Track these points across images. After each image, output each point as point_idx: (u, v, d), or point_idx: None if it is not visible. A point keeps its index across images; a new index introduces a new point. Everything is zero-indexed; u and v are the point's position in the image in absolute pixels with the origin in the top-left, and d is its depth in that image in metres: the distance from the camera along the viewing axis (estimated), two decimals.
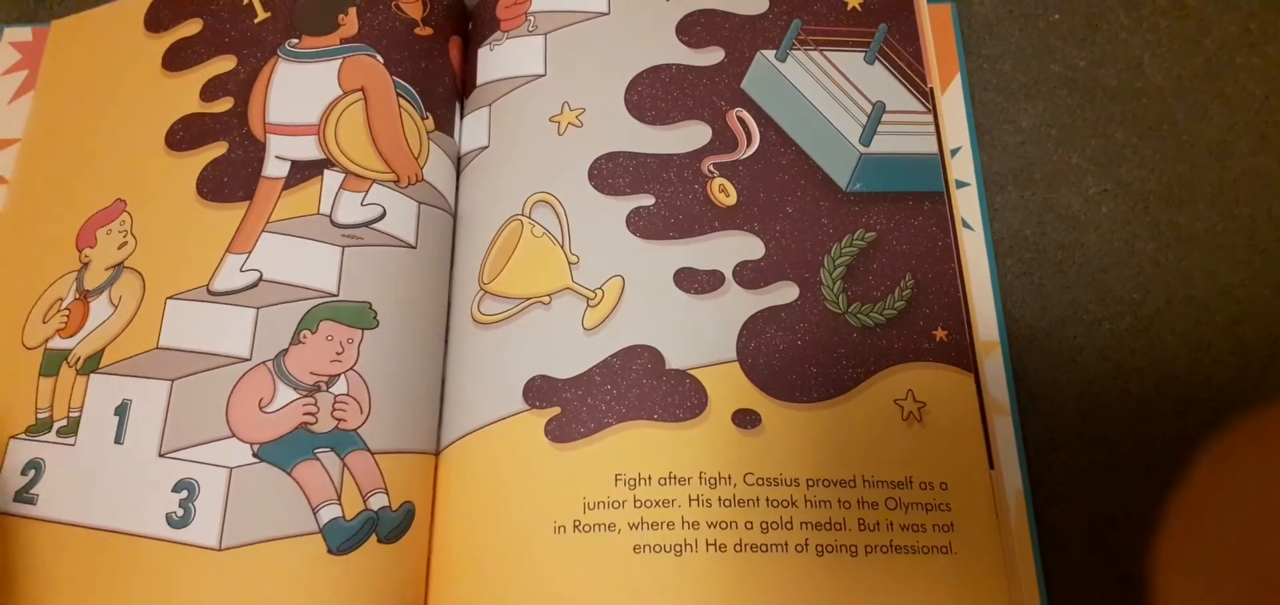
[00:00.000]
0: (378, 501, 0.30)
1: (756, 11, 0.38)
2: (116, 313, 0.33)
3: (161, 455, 0.30)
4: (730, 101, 0.37)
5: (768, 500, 0.30)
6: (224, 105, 0.36)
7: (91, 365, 0.32)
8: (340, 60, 0.36)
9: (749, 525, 0.30)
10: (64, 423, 0.32)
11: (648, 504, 0.30)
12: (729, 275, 0.34)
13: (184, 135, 0.36)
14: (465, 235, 0.36)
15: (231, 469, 0.30)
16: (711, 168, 0.35)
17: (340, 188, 0.34)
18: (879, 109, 0.36)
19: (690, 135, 0.36)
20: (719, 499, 0.30)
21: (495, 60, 0.38)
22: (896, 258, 0.34)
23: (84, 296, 0.34)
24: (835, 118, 0.36)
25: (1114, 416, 0.33)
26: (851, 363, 0.32)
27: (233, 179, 0.35)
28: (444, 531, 0.31)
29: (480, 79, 0.38)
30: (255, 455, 0.30)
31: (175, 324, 0.32)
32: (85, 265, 0.34)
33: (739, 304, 0.33)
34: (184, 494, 0.30)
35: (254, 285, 0.32)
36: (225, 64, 0.37)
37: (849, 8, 0.38)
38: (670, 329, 0.33)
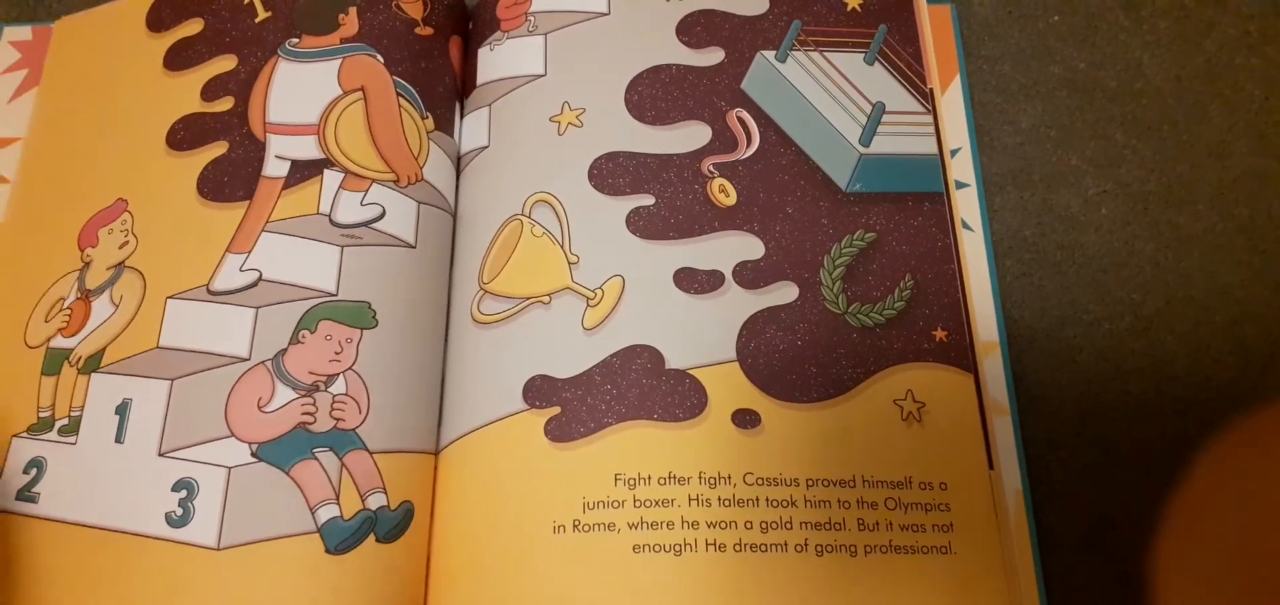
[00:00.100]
0: (376, 501, 0.30)
1: (756, 12, 0.38)
2: (117, 312, 0.33)
3: (161, 455, 0.30)
4: (730, 102, 0.37)
5: (767, 500, 0.30)
6: (225, 105, 0.36)
7: (92, 364, 0.33)
8: (340, 60, 0.36)
9: (748, 525, 0.30)
10: (65, 422, 0.32)
11: (647, 504, 0.30)
12: (729, 275, 0.34)
13: (185, 135, 0.36)
14: (465, 235, 0.36)
15: (230, 468, 0.30)
16: (711, 168, 0.35)
17: (340, 187, 0.34)
18: (879, 110, 0.36)
19: (690, 135, 0.36)
20: (719, 499, 0.30)
21: (495, 60, 0.38)
22: (896, 258, 0.34)
23: (85, 296, 0.34)
24: (835, 118, 0.36)
25: (1113, 417, 0.33)
26: (851, 363, 0.32)
27: (233, 178, 0.35)
28: (443, 531, 0.31)
29: (480, 79, 0.38)
30: (254, 455, 0.30)
31: (175, 323, 0.33)
32: (87, 264, 0.35)
33: (739, 304, 0.33)
34: (183, 493, 0.30)
35: (253, 285, 0.33)
36: (226, 63, 0.37)
37: (849, 8, 0.38)
38: (670, 329, 0.33)
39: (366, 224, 0.34)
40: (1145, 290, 0.35)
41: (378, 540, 0.30)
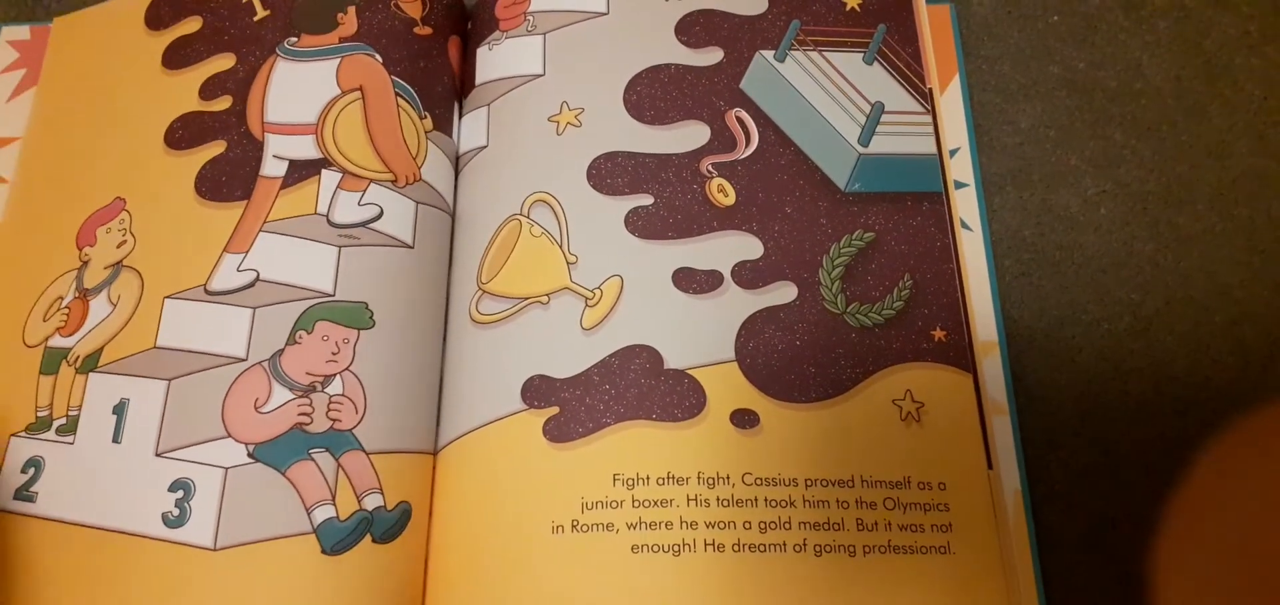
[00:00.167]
0: (372, 502, 0.30)
1: (755, 12, 0.38)
2: (115, 311, 0.33)
3: (158, 455, 0.30)
4: (729, 101, 0.37)
5: (766, 500, 0.30)
6: (223, 104, 0.36)
7: (90, 364, 0.32)
8: (339, 59, 0.36)
9: (747, 525, 0.30)
10: (63, 421, 0.32)
11: (646, 504, 0.30)
12: (728, 275, 0.33)
13: (183, 134, 0.36)
14: (464, 235, 0.36)
15: (227, 469, 0.30)
16: (710, 168, 0.35)
17: (338, 187, 0.34)
18: (878, 109, 0.36)
19: (689, 135, 0.36)
20: (717, 499, 0.30)
21: (494, 60, 0.38)
22: (895, 258, 0.34)
23: (84, 295, 0.34)
24: (834, 118, 0.36)
25: (1113, 417, 0.33)
26: (850, 363, 0.32)
27: (231, 178, 0.35)
28: (442, 531, 0.31)
29: (479, 78, 0.38)
30: (250, 455, 0.30)
31: (173, 323, 0.32)
32: (85, 264, 0.35)
33: (737, 304, 0.33)
34: (180, 493, 0.30)
35: (251, 285, 0.32)
36: (224, 62, 0.37)
37: (848, 8, 0.38)
38: (669, 329, 0.33)
39: (364, 224, 0.34)
40: (1145, 290, 0.35)
41: (374, 541, 0.29)
